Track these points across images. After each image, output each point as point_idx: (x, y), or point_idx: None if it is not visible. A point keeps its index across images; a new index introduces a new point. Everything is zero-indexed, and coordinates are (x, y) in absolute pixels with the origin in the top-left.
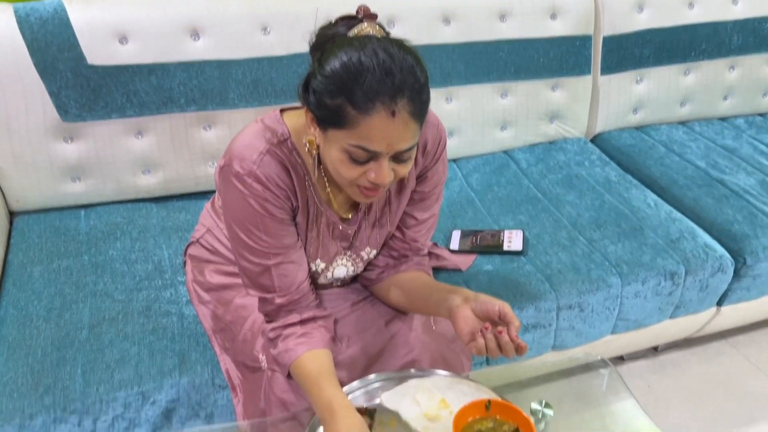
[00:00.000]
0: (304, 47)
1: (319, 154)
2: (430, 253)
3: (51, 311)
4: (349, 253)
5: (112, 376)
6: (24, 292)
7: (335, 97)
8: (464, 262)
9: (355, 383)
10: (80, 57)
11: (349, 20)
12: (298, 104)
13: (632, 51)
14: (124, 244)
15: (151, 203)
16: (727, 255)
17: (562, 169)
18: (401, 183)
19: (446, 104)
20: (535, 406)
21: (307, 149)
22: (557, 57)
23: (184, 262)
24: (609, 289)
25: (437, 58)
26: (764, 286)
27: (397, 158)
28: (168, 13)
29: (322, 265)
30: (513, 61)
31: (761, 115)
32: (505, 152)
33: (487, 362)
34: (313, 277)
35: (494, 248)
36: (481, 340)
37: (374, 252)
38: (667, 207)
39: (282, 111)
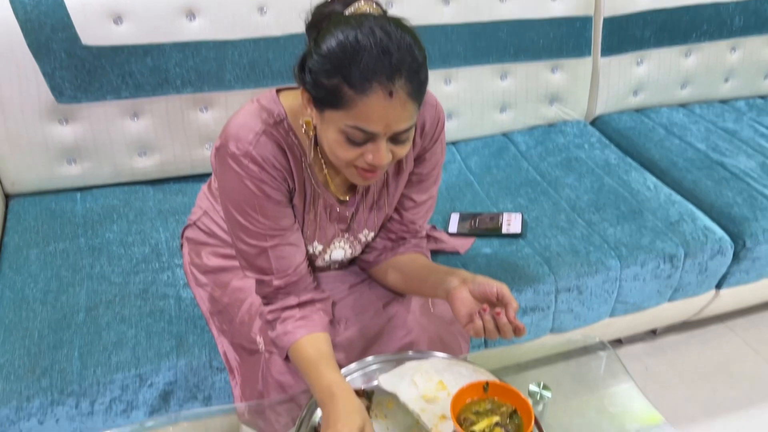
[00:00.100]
0: (301, 27)
1: (316, 135)
2: (428, 236)
3: (47, 294)
4: (346, 235)
5: (109, 359)
6: (20, 274)
7: (331, 77)
8: (463, 245)
9: (353, 365)
10: (74, 37)
11: None
12: (295, 85)
13: (633, 32)
14: (120, 227)
15: (148, 186)
16: (727, 237)
17: (561, 151)
18: (399, 165)
19: (445, 86)
20: (533, 387)
21: (303, 130)
22: (557, 38)
23: (181, 245)
24: (608, 271)
25: (436, 39)
26: (763, 269)
27: (395, 139)
28: None
29: (320, 248)
30: (513, 42)
31: (762, 97)
32: (504, 135)
33: (485, 345)
34: (310, 259)
35: (493, 231)
36: (479, 322)
37: (372, 234)
38: (666, 190)
39: (278, 91)
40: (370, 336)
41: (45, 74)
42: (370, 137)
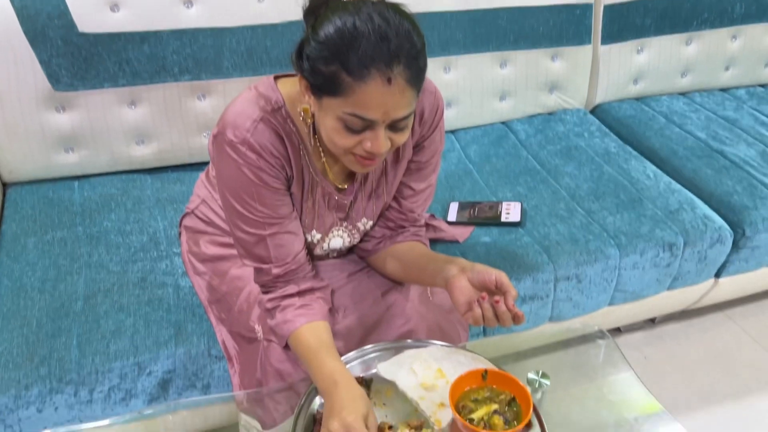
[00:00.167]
0: (299, 14)
1: (314, 123)
2: (427, 225)
3: (45, 282)
4: (345, 224)
5: (107, 347)
6: (18, 263)
7: (329, 63)
8: (462, 233)
9: (352, 353)
10: (71, 25)
11: None
12: (293, 72)
13: (633, 20)
14: (118, 216)
15: (146, 174)
16: (726, 226)
17: (561, 140)
18: (398, 153)
19: (444, 74)
20: (531, 376)
21: (301, 118)
22: (557, 25)
23: (179, 234)
24: (607, 260)
25: (435, 26)
26: (762, 258)
27: (394, 127)
28: None
29: (318, 236)
30: (512, 29)
31: (763, 86)
32: (504, 123)
33: (484, 333)
34: (309, 248)
35: (492, 220)
36: (477, 310)
37: (370, 223)
38: (666, 178)
39: (276, 78)
40: (368, 324)
41: (42, 62)
42: (368, 125)
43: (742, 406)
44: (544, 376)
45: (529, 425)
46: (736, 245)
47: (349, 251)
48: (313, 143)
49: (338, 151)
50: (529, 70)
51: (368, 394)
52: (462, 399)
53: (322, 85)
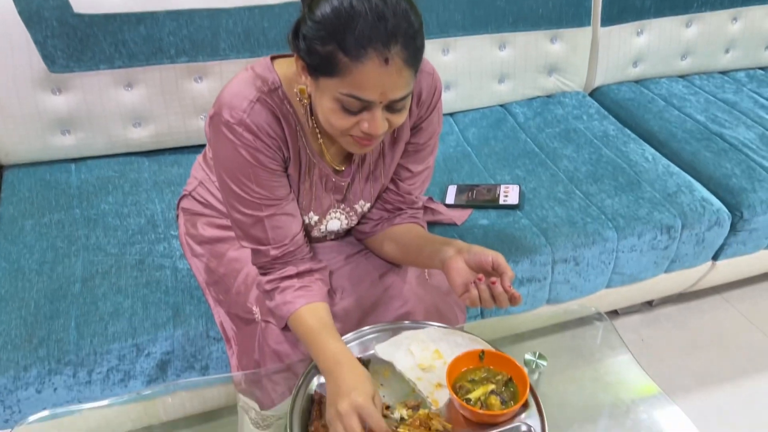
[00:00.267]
0: None
1: (311, 104)
2: (425, 208)
3: (43, 265)
4: (342, 206)
5: (105, 329)
6: (15, 245)
7: (326, 43)
8: (460, 216)
9: (350, 335)
10: (66, 5)
11: None
12: (290, 52)
13: (633, 2)
14: (116, 198)
15: (143, 157)
16: (724, 209)
17: (559, 123)
18: (395, 134)
19: (443, 56)
20: (528, 356)
21: (298, 98)
22: (557, 7)
23: (177, 216)
24: (605, 242)
25: (433, 7)
26: (760, 241)
27: (391, 108)
28: None
29: (316, 218)
30: (511, 10)
31: (762, 68)
32: (503, 106)
33: (482, 315)
34: (306, 230)
35: (490, 203)
36: (474, 291)
37: (368, 205)
38: (664, 161)
39: (273, 58)
40: (366, 306)
41: (37, 43)
42: (365, 105)
43: (738, 389)
44: (541, 357)
45: (525, 405)
46: (734, 228)
47: (347, 233)
48: (310, 124)
49: (335, 132)
50: (528, 52)
51: None
52: (459, 379)
53: (319, 66)
